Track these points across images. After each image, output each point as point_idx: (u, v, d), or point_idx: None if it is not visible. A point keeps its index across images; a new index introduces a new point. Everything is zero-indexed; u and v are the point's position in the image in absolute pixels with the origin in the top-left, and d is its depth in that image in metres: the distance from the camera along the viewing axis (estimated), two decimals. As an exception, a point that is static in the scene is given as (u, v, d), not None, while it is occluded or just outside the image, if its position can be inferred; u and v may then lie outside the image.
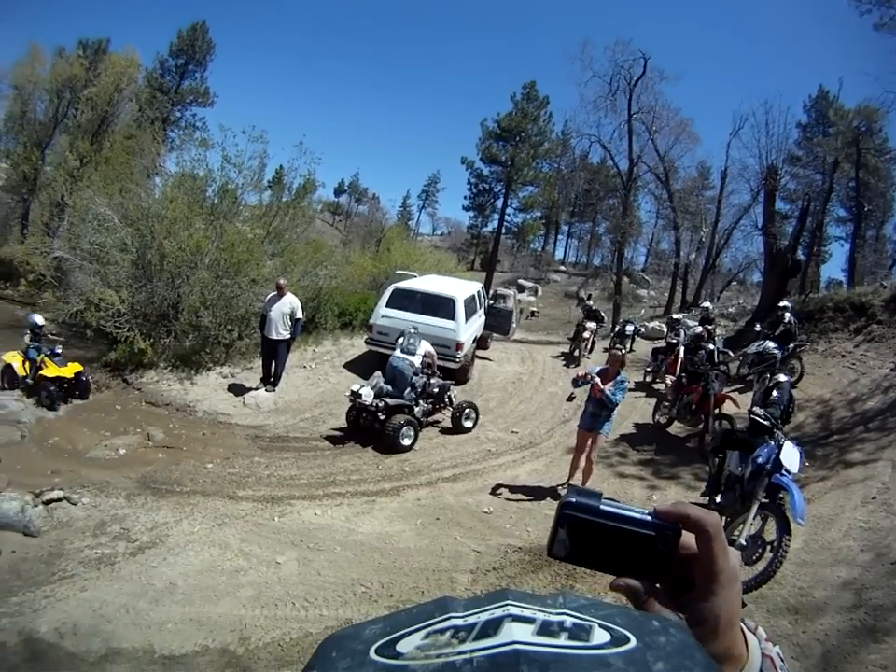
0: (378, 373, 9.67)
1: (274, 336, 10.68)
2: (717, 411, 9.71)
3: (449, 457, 9.13)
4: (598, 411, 7.58)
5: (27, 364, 9.96)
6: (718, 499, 6.78)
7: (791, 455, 5.78)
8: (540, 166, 41.40)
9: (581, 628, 0.43)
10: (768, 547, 5.53)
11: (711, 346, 11.00)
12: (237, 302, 12.44)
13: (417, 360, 9.63)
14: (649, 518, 0.62)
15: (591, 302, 18.23)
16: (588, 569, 0.65)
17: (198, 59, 38.17)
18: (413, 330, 10.07)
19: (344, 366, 13.03)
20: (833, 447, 9.32)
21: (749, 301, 26.98)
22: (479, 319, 14.22)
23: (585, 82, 25.14)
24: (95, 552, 5.71)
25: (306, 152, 14.81)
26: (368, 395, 8.95)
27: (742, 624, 0.66)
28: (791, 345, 12.01)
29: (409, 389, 9.45)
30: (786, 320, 12.42)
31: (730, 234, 29.07)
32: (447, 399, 10.21)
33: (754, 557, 5.61)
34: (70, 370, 9.94)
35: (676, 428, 10.76)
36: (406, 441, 9.16)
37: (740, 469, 6.39)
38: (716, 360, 10.60)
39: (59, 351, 10.20)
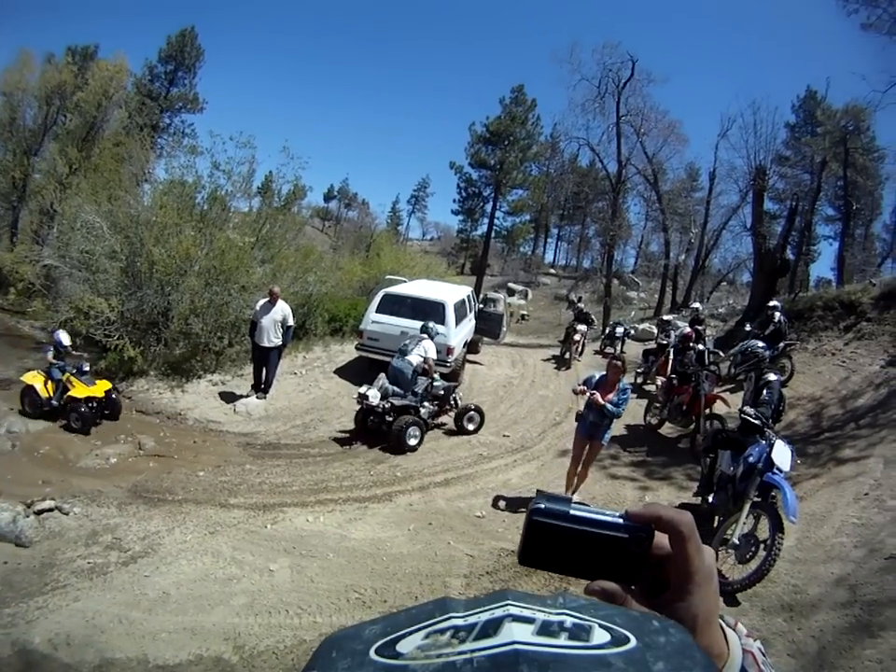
0: (382, 375, 9.71)
1: (266, 343, 10.64)
2: (708, 411, 9.74)
3: (441, 462, 9.11)
4: (599, 420, 7.25)
5: (50, 385, 9.32)
6: (710, 499, 6.82)
7: (782, 454, 5.81)
8: (529, 169, 41.48)
9: (581, 628, 0.43)
10: (761, 545, 5.54)
11: (701, 347, 11.05)
12: (227, 309, 12.39)
13: (415, 360, 9.68)
14: (621, 521, 0.62)
15: (581, 305, 18.26)
16: (561, 575, 0.65)
17: (187, 65, 38.18)
18: (420, 334, 10.17)
19: (335, 372, 12.99)
20: (825, 445, 9.38)
21: (739, 302, 27.17)
22: (469, 323, 14.24)
23: (574, 85, 25.29)
24: (87, 562, 5.68)
25: (293, 157, 14.82)
26: (375, 396, 9.11)
27: (721, 622, 0.65)
28: (782, 344, 12.08)
29: (412, 390, 9.54)
30: (776, 319, 12.49)
31: (719, 235, 29.28)
32: (453, 401, 10.33)
33: (747, 556, 5.62)
34: (99, 388, 9.42)
35: (667, 429, 10.79)
36: (412, 442, 9.31)
37: (732, 468, 6.42)
38: (706, 361, 10.64)
39: (86, 369, 9.62)
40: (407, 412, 9.48)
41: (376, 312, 12.18)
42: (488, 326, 16.01)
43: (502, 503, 7.75)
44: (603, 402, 7.02)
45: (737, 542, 5.62)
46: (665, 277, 30.96)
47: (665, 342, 13.61)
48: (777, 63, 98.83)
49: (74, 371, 9.37)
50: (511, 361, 15.89)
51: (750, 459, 5.99)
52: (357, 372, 12.59)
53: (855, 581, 5.45)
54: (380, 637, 0.44)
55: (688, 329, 12.21)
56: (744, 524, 5.72)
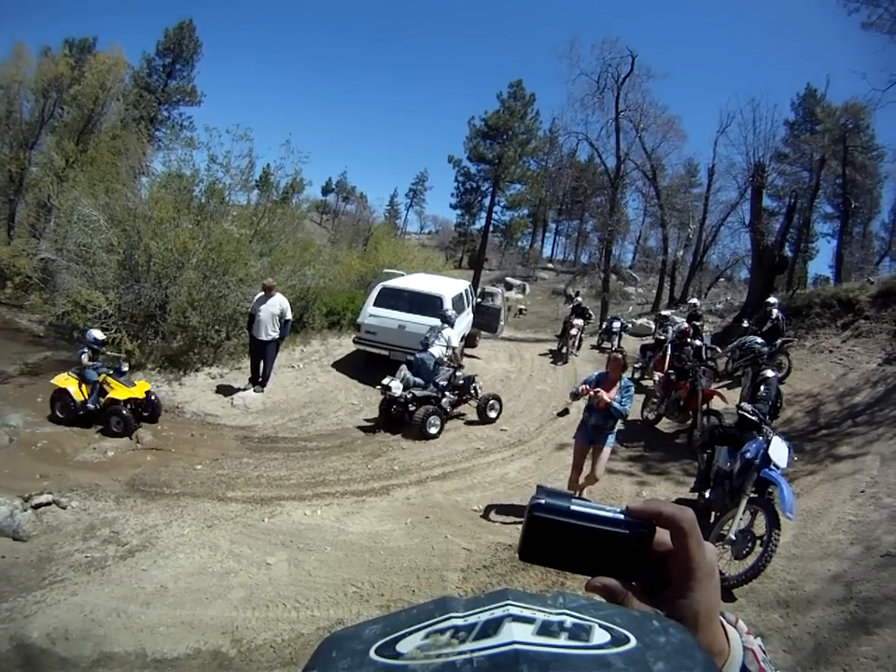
0: (404, 367, 10.09)
1: (263, 337, 10.64)
2: (705, 407, 9.74)
3: (438, 456, 9.13)
4: (602, 422, 6.75)
5: (85, 387, 8.84)
6: (707, 495, 6.81)
7: (779, 450, 5.81)
8: (528, 164, 41.55)
9: (581, 628, 0.43)
10: (758, 542, 5.54)
11: (699, 343, 11.07)
12: (225, 302, 12.39)
13: (437, 351, 10.18)
14: (621, 517, 0.62)
15: (580, 299, 18.23)
16: (562, 571, 0.64)
17: (185, 58, 38.16)
18: (440, 325, 10.63)
19: (332, 365, 12.99)
20: (822, 441, 9.39)
21: (737, 298, 27.21)
22: (467, 317, 14.23)
23: (573, 80, 25.31)
24: (85, 555, 5.68)
25: (293, 151, 14.81)
26: (397, 387, 9.54)
27: (722, 619, 0.65)
28: (779, 341, 12.11)
29: (434, 381, 9.96)
30: (773, 316, 12.51)
31: (717, 231, 29.26)
32: (473, 391, 10.60)
33: (744, 552, 5.62)
34: (140, 389, 9.12)
35: (664, 425, 10.79)
36: (433, 430, 9.70)
37: (729, 464, 6.41)
38: (704, 357, 10.66)
39: (125, 369, 9.31)
40: (428, 402, 9.86)
41: (374, 305, 12.17)
42: (486, 320, 16.01)
43: (493, 513, 7.58)
44: (609, 400, 6.53)
45: (734, 538, 5.62)
46: (663, 273, 30.96)
47: (662, 337, 13.62)
48: (777, 60, 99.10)
49: (111, 372, 9.04)
50: (509, 355, 15.90)
51: (747, 455, 5.99)
52: (355, 366, 12.61)
53: (851, 577, 5.46)
54: (380, 636, 0.44)
55: (685, 325, 12.22)
56: (740, 519, 5.72)
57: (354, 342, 12.61)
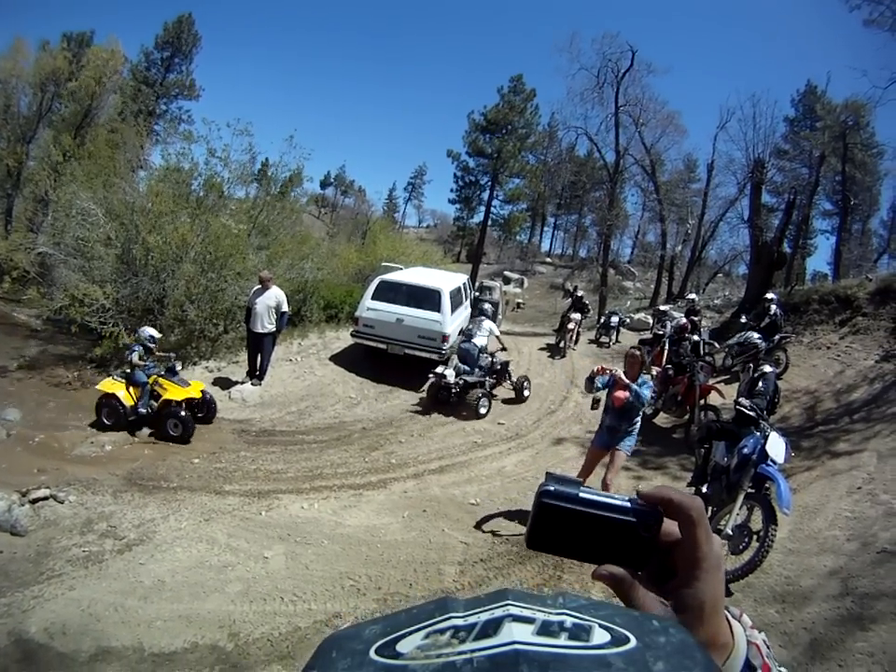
0: (455, 357, 11.26)
1: (260, 329, 10.65)
2: (703, 402, 9.76)
3: (435, 449, 9.14)
4: (617, 423, 6.63)
5: (133, 390, 8.48)
6: (704, 490, 6.82)
7: (776, 446, 5.82)
8: (527, 158, 41.34)
9: (581, 628, 0.43)
10: (754, 537, 5.57)
11: (696, 338, 11.09)
12: (222, 296, 12.37)
13: (480, 341, 11.12)
14: (629, 504, 0.62)
15: (581, 293, 18.21)
16: (569, 559, 0.64)
17: (184, 52, 37.93)
18: (479, 318, 11.77)
19: (330, 359, 12.98)
20: (819, 438, 9.42)
21: (735, 293, 27.19)
22: (465, 311, 14.25)
23: (573, 74, 25.14)
24: (83, 550, 5.69)
25: (296, 146, 14.76)
26: (451, 375, 10.53)
27: (727, 612, 0.65)
28: (777, 337, 12.12)
29: (478, 366, 10.97)
30: (771, 312, 12.54)
31: (716, 227, 29.26)
32: (507, 374, 11.59)
33: (741, 547, 5.65)
34: (195, 388, 8.80)
35: (662, 419, 10.85)
36: (483, 410, 10.67)
37: (726, 459, 6.42)
38: (701, 352, 10.68)
39: (178, 368, 9.02)
40: (476, 386, 10.79)
41: (372, 299, 12.15)
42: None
43: (491, 506, 7.49)
44: (628, 382, 6.39)
45: (731, 533, 5.63)
46: (662, 268, 30.91)
47: (660, 332, 13.62)
48: (778, 57, 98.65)
49: (162, 373, 8.71)
50: (507, 350, 15.87)
51: (745, 450, 6.00)
52: (353, 359, 12.61)
53: (847, 573, 5.49)
54: (380, 636, 0.44)
55: (684, 320, 12.23)
56: (737, 514, 5.74)
57: (352, 335, 12.60)
